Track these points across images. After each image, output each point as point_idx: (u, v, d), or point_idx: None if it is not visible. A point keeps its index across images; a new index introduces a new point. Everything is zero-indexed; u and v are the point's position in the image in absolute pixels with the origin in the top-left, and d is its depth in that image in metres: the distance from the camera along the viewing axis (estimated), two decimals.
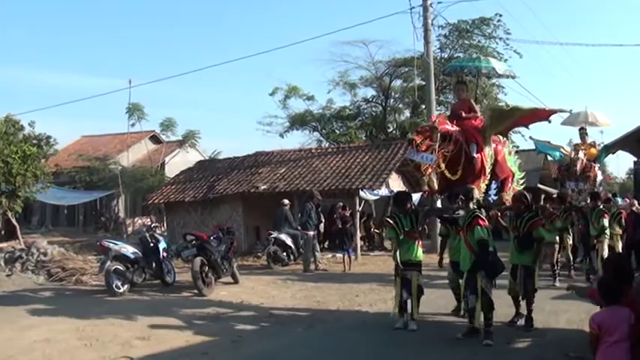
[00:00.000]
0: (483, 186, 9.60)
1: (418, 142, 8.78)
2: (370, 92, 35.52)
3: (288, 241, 17.09)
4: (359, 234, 20.13)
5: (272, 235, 16.96)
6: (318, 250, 16.83)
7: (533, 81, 79.43)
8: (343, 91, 35.51)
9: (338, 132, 35.63)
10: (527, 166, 27.39)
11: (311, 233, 16.13)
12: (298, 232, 16.82)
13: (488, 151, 9.81)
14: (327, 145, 32.94)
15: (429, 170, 9.02)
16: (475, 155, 9.38)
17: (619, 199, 18.86)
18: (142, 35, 79.63)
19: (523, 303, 8.78)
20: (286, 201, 17.92)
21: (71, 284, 13.37)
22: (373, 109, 35.72)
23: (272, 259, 16.70)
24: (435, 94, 20.78)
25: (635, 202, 16.48)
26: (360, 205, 20.10)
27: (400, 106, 35.02)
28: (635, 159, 16.96)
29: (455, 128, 9.38)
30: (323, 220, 18.62)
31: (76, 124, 68.80)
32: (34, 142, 20.68)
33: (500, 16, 28.73)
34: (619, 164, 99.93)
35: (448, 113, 11.42)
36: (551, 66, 71.28)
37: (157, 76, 59.38)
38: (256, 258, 18.49)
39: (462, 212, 8.38)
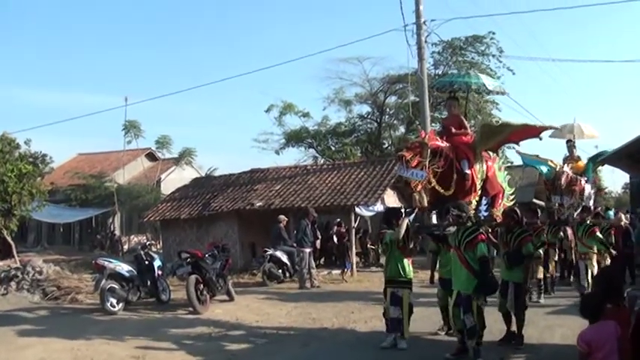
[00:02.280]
0: (474, 202, 9.49)
1: (408, 158, 8.65)
2: (365, 109, 35.71)
3: (284, 258, 17.09)
4: (354, 250, 20.13)
5: (267, 252, 16.96)
6: (314, 266, 16.80)
7: (527, 97, 79.93)
8: (338, 107, 35.70)
9: (333, 148, 35.70)
10: (523, 182, 27.59)
11: (307, 250, 16.12)
12: (294, 249, 16.81)
13: (478, 167, 9.72)
14: (322, 161, 33.00)
15: (419, 187, 8.86)
16: (467, 171, 9.29)
17: (611, 213, 18.82)
18: (139, 53, 79.88)
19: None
20: (282, 217, 17.93)
21: (66, 303, 13.36)
22: (368, 125, 35.87)
23: (267, 276, 16.68)
24: (430, 110, 20.85)
25: (623, 217, 16.48)
26: (355, 222, 20.15)
27: (395, 122, 35.19)
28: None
29: (445, 144, 9.28)
30: (320, 237, 18.68)
31: (72, 142, 69.03)
32: (30, 160, 20.77)
33: (493, 34, 29.01)
34: (614, 178, 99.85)
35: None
36: (545, 81, 71.82)
37: (154, 94, 59.91)
38: (252, 275, 18.47)
39: (452, 229, 8.27)
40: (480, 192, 9.67)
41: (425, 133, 9.39)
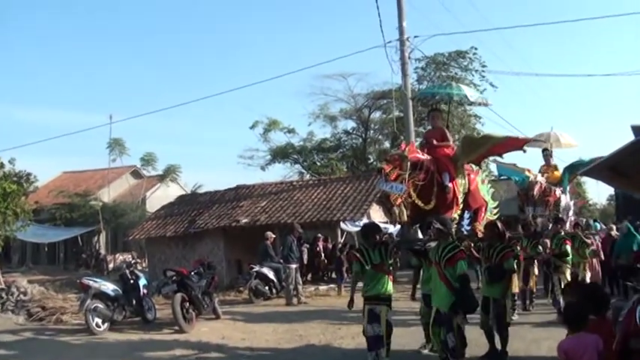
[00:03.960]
0: (456, 216, 9.30)
1: (387, 171, 8.44)
2: (350, 124, 36.03)
3: (270, 275, 17.01)
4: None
5: (254, 269, 16.90)
6: (301, 283, 16.76)
7: (509, 110, 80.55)
8: (324, 123, 36.02)
9: (319, 164, 35.90)
10: (508, 195, 27.68)
11: (293, 266, 16.08)
12: (280, 265, 16.77)
13: (460, 180, 9.54)
14: (308, 177, 33.11)
15: (399, 200, 8.72)
16: (448, 184, 9.09)
17: (598, 224, 18.83)
18: (123, 70, 79.77)
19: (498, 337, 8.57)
20: (269, 233, 17.89)
21: (51, 324, 13.23)
22: (353, 140, 36.14)
23: (254, 293, 16.59)
24: (414, 125, 20.98)
25: (614, 227, 16.49)
26: (342, 237, 20.18)
27: (380, 137, 35.45)
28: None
29: (426, 157, 9.10)
30: (307, 246, 18.73)
31: (57, 161, 68.57)
32: (15, 179, 20.54)
33: (476, 49, 29.35)
34: (599, 190, 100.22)
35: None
36: (528, 95, 72.73)
37: (138, 111, 59.61)
38: (238, 292, 18.37)
39: (432, 244, 8.07)
40: (462, 206, 9.52)
41: (405, 146, 9.14)
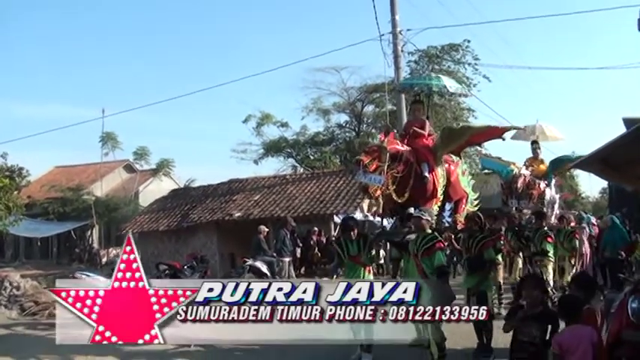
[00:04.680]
0: (436, 208, 9.24)
1: (366, 162, 8.43)
2: (343, 118, 35.86)
3: (264, 269, 16.94)
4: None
5: (247, 263, 16.88)
6: (294, 276, 16.80)
7: (502, 104, 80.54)
8: (317, 117, 35.82)
9: (312, 157, 35.80)
10: (500, 187, 27.75)
11: (286, 259, 16.11)
12: (274, 259, 16.77)
13: (440, 171, 9.46)
14: (301, 170, 33.06)
15: (378, 192, 8.60)
16: (426, 175, 9.01)
17: (592, 217, 18.83)
18: (116, 64, 79.29)
19: None
20: (263, 227, 17.89)
21: (44, 318, 13.20)
22: (347, 134, 36.01)
23: None
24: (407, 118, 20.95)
25: (608, 221, 16.48)
26: (335, 230, 20.19)
27: (373, 131, 35.31)
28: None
29: (405, 148, 9.05)
30: (301, 245, 18.69)
31: (49, 155, 68.12)
32: (7, 173, 20.56)
33: (469, 42, 29.29)
34: (591, 183, 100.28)
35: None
36: (520, 89, 72.89)
37: (131, 105, 59.09)
38: None
39: (412, 236, 7.98)
40: (442, 197, 9.48)
41: (385, 136, 9.10)
